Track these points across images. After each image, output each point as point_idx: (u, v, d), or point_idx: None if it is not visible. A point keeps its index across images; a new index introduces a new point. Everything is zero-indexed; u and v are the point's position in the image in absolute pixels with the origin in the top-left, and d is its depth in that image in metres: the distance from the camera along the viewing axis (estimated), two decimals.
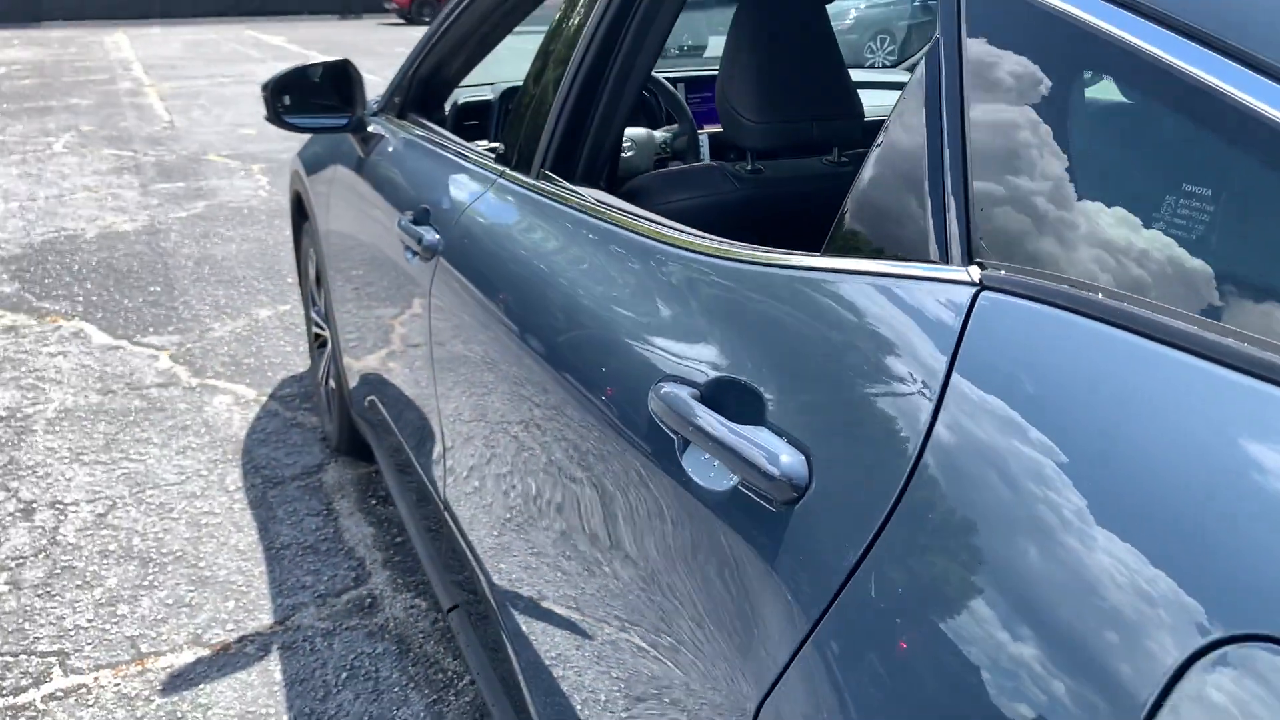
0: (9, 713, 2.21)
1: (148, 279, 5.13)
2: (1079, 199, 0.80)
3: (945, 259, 0.86)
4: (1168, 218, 0.75)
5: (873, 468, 0.82)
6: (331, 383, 3.22)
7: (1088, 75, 0.86)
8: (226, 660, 2.38)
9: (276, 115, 2.49)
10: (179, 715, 2.21)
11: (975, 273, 0.83)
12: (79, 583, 2.66)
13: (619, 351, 1.22)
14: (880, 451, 0.82)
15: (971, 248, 0.85)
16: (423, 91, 2.52)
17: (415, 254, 1.96)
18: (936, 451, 0.77)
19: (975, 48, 0.90)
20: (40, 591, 2.62)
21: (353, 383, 2.87)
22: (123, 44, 19.33)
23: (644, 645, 1.13)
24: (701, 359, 1.07)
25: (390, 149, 2.40)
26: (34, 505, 3.02)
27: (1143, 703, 0.58)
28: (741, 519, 0.94)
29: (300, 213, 3.39)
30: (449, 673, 2.35)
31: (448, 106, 2.73)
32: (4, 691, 2.27)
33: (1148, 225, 0.76)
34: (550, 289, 1.43)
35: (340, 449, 3.29)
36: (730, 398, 0.99)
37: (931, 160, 0.90)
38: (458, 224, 1.82)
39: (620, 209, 1.41)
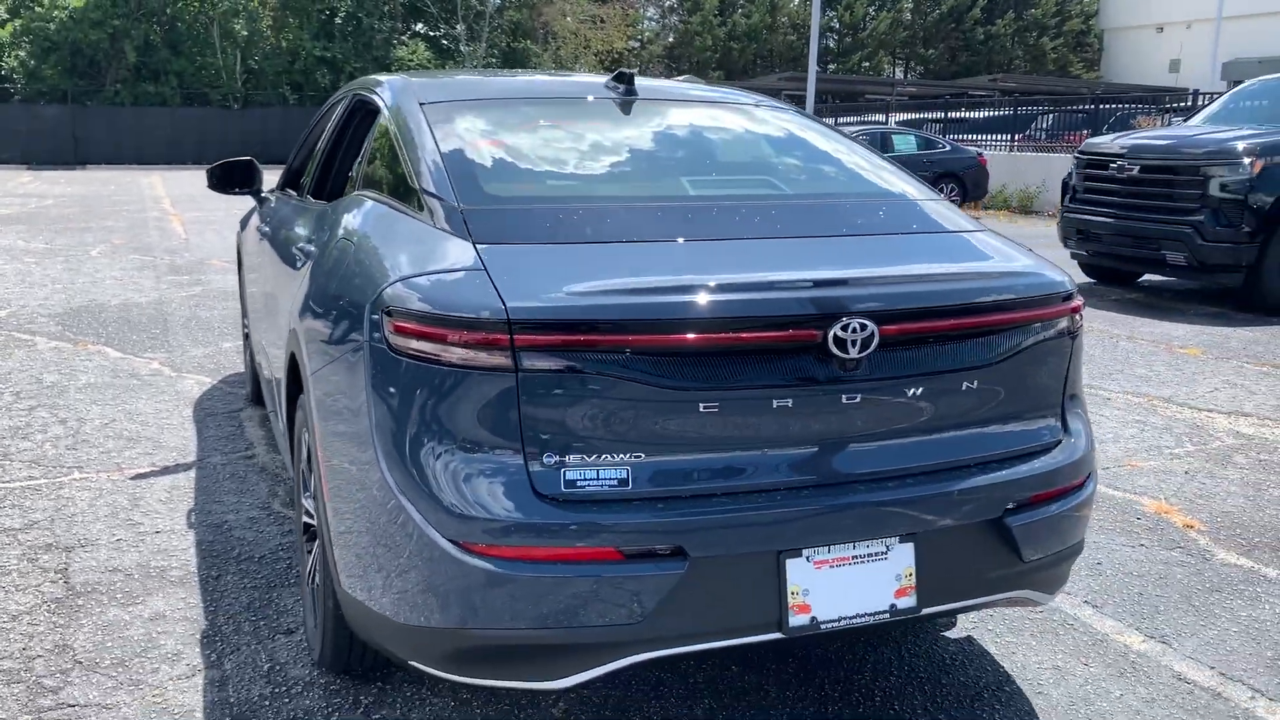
0: (49, 486, 4.26)
1: (151, 326, 7.33)
2: (400, 174, 2.97)
3: (349, 191, 3.03)
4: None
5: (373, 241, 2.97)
6: (248, 355, 5.34)
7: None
8: (166, 471, 4.44)
9: (214, 186, 4.71)
10: (139, 487, 4.26)
11: (363, 195, 2.98)
12: (89, 445, 4.74)
13: (289, 237, 3.40)
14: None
15: (360, 187, 3.01)
16: (291, 177, 4.72)
17: (263, 239, 4.13)
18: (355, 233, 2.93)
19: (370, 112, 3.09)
20: (68, 447, 4.70)
21: (254, 345, 4.98)
22: (156, 184, 22.15)
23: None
24: (312, 238, 3.22)
25: (272, 204, 4.59)
26: (66, 419, 5.12)
27: None
28: (305, 270, 3.07)
29: (240, 258, 5.59)
30: (283, 477, 4.41)
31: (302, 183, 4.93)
32: (49, 476, 4.33)
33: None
34: (286, 228, 3.62)
35: (254, 399, 5.39)
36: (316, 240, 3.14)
37: (355, 165, 3.09)
38: (276, 217, 4.02)
39: (321, 203, 3.57)
